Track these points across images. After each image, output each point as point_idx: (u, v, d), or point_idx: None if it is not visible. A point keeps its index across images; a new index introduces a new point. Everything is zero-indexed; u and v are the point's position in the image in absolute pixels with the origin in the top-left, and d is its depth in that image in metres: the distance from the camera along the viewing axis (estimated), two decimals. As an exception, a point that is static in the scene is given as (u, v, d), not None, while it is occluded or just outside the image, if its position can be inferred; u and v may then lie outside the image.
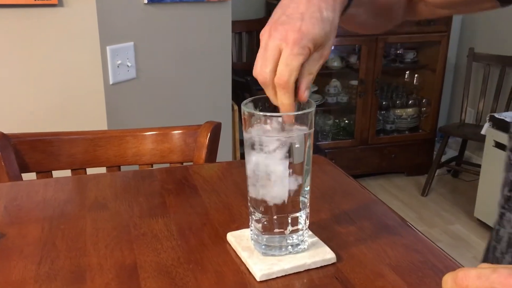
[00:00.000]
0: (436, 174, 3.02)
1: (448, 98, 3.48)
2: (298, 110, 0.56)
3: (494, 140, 2.42)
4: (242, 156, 2.62)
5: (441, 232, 2.59)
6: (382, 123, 3.17)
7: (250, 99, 0.59)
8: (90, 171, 1.02)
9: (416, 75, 3.20)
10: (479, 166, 2.72)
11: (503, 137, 2.35)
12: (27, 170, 0.99)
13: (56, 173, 1.01)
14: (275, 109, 0.57)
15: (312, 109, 0.56)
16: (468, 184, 3.06)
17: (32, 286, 0.56)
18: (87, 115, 1.51)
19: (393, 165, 3.17)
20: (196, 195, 0.78)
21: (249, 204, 0.61)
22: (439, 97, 3.12)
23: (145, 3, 1.57)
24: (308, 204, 0.61)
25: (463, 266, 0.60)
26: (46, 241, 0.65)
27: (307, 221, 0.61)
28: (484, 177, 2.53)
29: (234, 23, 1.87)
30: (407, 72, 3.22)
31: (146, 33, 1.61)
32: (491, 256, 0.73)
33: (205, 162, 1.00)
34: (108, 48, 1.48)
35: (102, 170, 1.05)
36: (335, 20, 0.55)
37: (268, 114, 0.56)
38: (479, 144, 2.83)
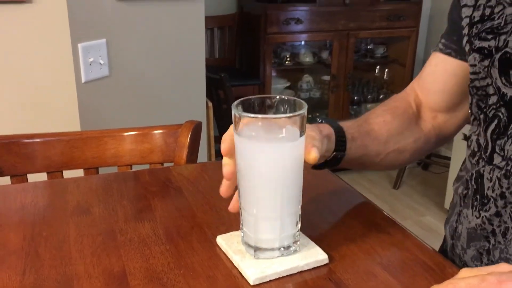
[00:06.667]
0: (407, 167, 3.08)
1: (417, 92, 3.54)
2: (290, 111, 0.56)
3: (463, 133, 2.48)
4: (217, 153, 2.61)
5: (413, 223, 2.65)
6: (354, 118, 3.20)
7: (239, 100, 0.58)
8: (66, 173, 0.99)
9: (386, 70, 3.25)
10: (448, 158, 2.78)
11: (471, 130, 2.41)
12: (1, 174, 0.95)
13: (31, 177, 0.98)
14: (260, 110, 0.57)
15: (304, 111, 0.56)
16: (438, 176, 3.13)
17: (18, 298, 0.54)
18: (59, 115, 1.47)
19: (365, 159, 3.21)
20: (182, 197, 0.77)
21: (240, 206, 0.61)
22: (408, 91, 3.17)
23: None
24: (300, 206, 0.60)
25: (452, 264, 0.61)
26: (28, 250, 0.62)
27: (299, 224, 0.61)
28: (454, 169, 2.59)
29: (206, 18, 1.85)
30: (378, 66, 3.26)
31: (119, 30, 1.57)
32: (450, 254, 0.75)
33: (186, 162, 0.98)
34: (79, 45, 1.44)
35: (80, 172, 1.02)
36: None
37: (260, 116, 0.55)
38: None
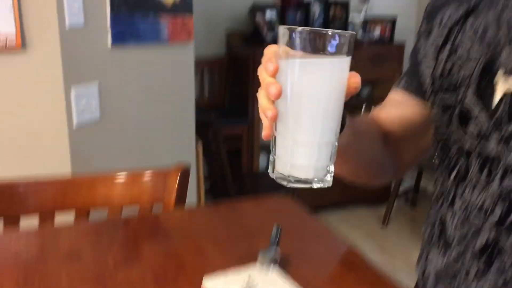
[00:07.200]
0: (395, 204, 3.12)
1: (403, 130, 3.62)
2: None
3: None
4: (207, 193, 2.64)
5: (402, 260, 2.66)
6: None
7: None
8: (58, 215, 1.02)
9: (372, 109, 3.33)
10: (434, 195, 2.83)
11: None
12: (-6, 218, 0.98)
13: (24, 219, 1.00)
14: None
15: (354, 34, 0.56)
16: (425, 213, 3.16)
17: None
18: (50, 157, 1.50)
19: (354, 196, 3.25)
20: (170, 242, 0.80)
21: (275, 133, 0.59)
22: (394, 130, 3.25)
23: (109, 47, 1.59)
24: (336, 139, 0.59)
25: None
26: (21, 295, 0.65)
27: (333, 158, 0.59)
28: (440, 206, 2.63)
29: (196, 61, 1.92)
30: (364, 106, 3.35)
31: (111, 76, 1.63)
32: None
33: (175, 205, 1.02)
34: (72, 90, 1.49)
35: (71, 214, 1.05)
36: None
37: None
38: (434, 173, 2.95)
